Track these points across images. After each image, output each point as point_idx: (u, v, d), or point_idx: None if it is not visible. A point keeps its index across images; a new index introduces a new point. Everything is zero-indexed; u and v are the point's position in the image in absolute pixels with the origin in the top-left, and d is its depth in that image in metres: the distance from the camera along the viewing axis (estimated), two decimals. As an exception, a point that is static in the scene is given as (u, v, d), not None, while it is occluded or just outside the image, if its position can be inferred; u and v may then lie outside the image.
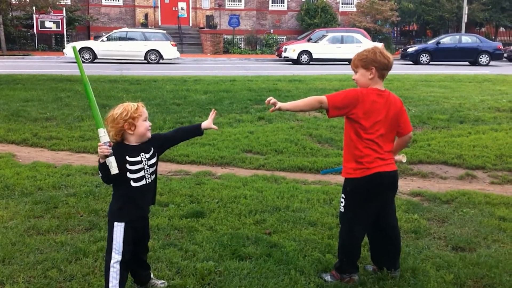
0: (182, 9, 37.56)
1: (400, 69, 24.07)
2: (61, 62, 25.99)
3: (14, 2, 32.82)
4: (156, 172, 3.33)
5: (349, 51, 27.54)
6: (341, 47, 28.58)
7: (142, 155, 3.19)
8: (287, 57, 28.72)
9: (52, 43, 34.32)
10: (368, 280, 3.66)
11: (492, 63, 29.66)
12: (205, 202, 5.30)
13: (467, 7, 38.68)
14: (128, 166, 3.14)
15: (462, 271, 3.82)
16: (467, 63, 29.72)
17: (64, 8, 33.92)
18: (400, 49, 38.41)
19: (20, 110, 10.34)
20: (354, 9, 40.78)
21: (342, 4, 42.46)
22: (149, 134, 3.26)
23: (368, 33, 34.08)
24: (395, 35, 46.34)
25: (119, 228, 3.18)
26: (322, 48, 28.73)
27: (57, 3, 34.44)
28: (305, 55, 28.33)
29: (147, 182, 3.22)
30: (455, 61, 29.59)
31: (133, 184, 3.17)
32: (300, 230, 4.60)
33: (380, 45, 3.27)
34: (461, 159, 7.35)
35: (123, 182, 3.16)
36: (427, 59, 29.31)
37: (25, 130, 8.69)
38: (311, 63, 28.19)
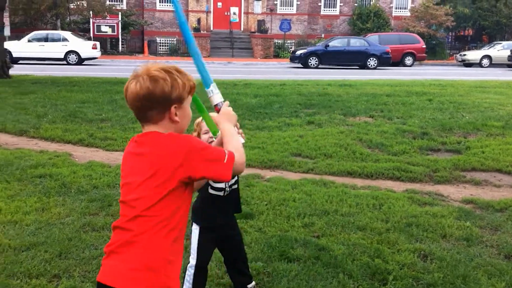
0: (234, 13, 37.94)
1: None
2: (116, 65, 26.68)
3: (72, 7, 33.97)
4: (236, 182, 3.18)
5: (54, 49, 26.79)
6: (44, 46, 27.08)
7: None
8: None
9: (107, 46, 35.25)
10: (417, 286, 3.63)
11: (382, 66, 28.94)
12: (254, 204, 5.36)
13: (525, 12, 37.54)
14: None
15: (515, 281, 3.74)
16: (356, 67, 28.90)
17: (120, 13, 34.87)
18: (454, 55, 37.68)
19: (76, 111, 10.69)
20: (408, 14, 40.22)
21: (396, 8, 41.94)
22: None
23: (421, 37, 33.56)
24: (450, 40, 45.40)
25: (195, 233, 3.13)
26: (23, 46, 26.92)
27: (113, 7, 35.46)
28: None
29: (225, 194, 3.10)
30: (345, 64, 28.72)
31: (210, 191, 3.07)
32: (348, 234, 4.59)
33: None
34: (517, 167, 7.15)
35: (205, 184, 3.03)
36: (316, 62, 28.39)
37: (81, 131, 8.98)
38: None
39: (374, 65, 28.42)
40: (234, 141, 2.08)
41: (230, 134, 2.11)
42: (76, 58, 27.22)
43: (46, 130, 8.98)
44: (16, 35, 32.83)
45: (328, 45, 29.01)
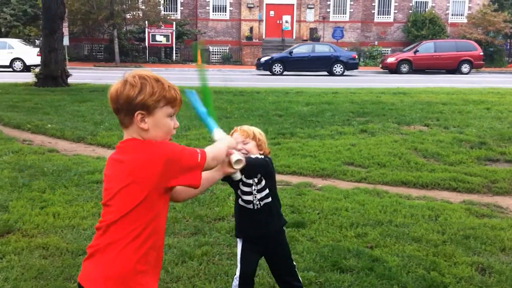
0: (286, 22, 38.05)
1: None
2: (169, 74, 27.15)
3: (128, 17, 34.88)
4: (269, 196, 3.05)
5: (0, 57, 27.13)
6: None
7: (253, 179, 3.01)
8: None
9: (161, 55, 35.99)
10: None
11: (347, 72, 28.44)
12: (306, 213, 5.32)
13: None
14: (240, 186, 3.02)
15: None
16: (325, 73, 28.29)
17: (174, 22, 35.53)
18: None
19: (132, 119, 10.90)
20: (465, 21, 39.33)
21: (452, 15, 41.12)
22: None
23: (479, 44, 32.69)
24: (508, 47, 44.01)
25: (239, 244, 3.13)
26: None
27: (168, 17, 36.19)
28: None
29: (255, 208, 3.03)
30: (310, 71, 28.13)
31: (240, 202, 3.06)
32: (403, 245, 4.49)
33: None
34: None
35: (236, 195, 3.07)
36: (280, 69, 27.91)
37: (136, 138, 9.13)
38: None
39: (340, 71, 28.25)
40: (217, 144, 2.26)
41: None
42: (22, 65, 28.40)
43: (103, 137, 9.21)
44: (75, 44, 33.95)
45: (292, 52, 28.94)
